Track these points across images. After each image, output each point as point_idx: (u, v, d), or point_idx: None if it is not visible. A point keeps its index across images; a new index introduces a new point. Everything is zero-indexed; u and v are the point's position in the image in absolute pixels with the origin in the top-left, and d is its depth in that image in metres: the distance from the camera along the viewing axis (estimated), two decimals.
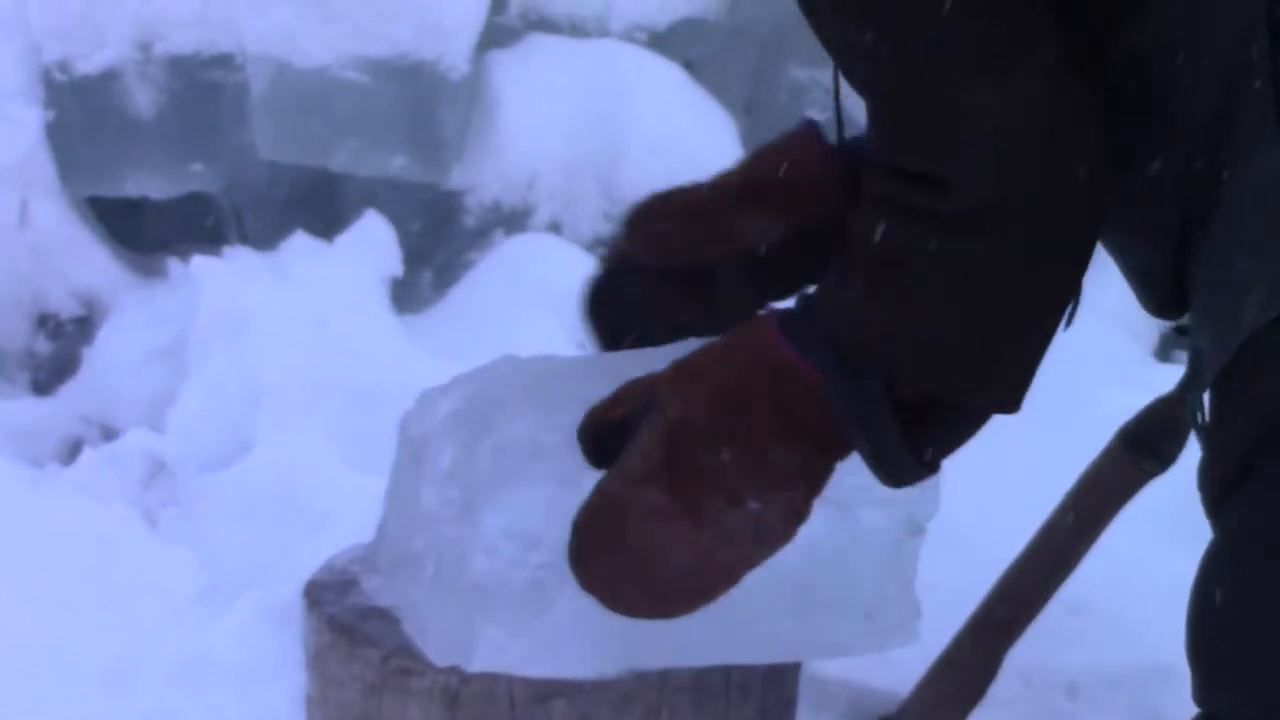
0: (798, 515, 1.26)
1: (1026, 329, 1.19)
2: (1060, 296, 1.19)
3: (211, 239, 3.09)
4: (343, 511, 2.35)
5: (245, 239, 3.12)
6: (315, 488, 2.43)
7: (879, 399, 1.17)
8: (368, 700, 1.54)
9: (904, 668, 2.19)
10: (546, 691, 1.54)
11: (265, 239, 3.05)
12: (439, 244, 3.38)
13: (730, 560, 1.26)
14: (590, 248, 3.32)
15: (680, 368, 1.26)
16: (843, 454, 1.24)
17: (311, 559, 1.85)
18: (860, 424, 1.18)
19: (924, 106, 1.12)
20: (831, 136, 1.47)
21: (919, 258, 1.13)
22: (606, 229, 3.41)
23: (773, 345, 1.21)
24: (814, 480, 1.24)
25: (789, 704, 1.79)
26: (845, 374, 1.17)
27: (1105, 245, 1.31)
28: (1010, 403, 1.22)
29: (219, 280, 2.78)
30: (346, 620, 1.58)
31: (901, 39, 1.11)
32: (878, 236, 1.15)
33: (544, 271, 3.14)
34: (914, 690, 2.12)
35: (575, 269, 3.10)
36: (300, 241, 2.93)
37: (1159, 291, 1.30)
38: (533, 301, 3.08)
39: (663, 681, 1.57)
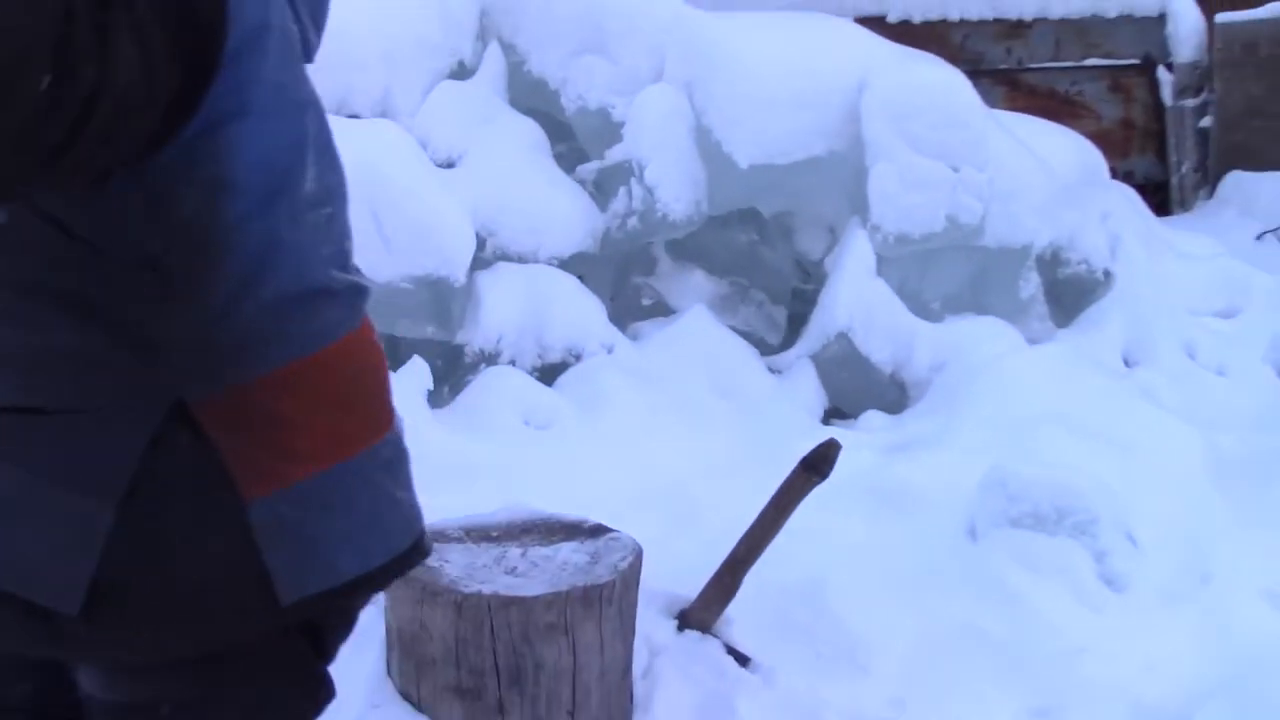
0: None
1: None
2: None
3: None
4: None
5: None
6: None
7: None
8: None
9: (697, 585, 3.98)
10: None
11: None
12: (451, 371, 5.72)
13: None
14: (531, 372, 5.66)
15: None
16: None
17: None
18: None
19: None
20: None
21: None
22: (541, 362, 5.75)
23: None
24: None
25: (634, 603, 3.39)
26: None
27: None
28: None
29: None
30: None
31: None
32: None
33: (509, 390, 5.65)
34: (697, 596, 4.10)
35: (525, 387, 5.66)
36: None
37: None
38: (501, 408, 5.62)
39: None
